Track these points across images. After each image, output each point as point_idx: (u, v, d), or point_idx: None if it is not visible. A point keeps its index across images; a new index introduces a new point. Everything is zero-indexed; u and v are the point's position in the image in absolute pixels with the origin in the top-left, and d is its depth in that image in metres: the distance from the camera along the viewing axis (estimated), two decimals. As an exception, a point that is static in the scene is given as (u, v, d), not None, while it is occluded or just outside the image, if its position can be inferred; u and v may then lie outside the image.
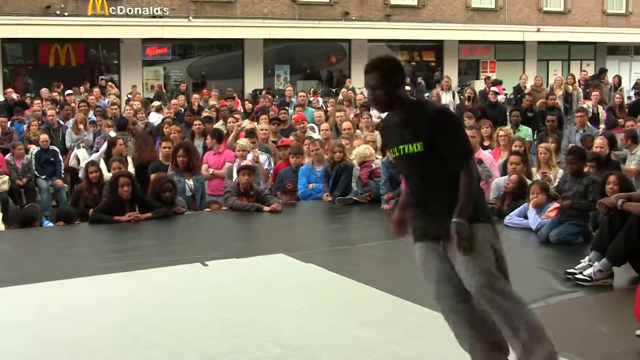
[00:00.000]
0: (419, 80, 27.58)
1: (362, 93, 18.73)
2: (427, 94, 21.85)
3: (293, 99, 18.37)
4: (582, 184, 7.92)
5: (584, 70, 27.68)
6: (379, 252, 7.72)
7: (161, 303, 5.95)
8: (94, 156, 12.07)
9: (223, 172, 11.14)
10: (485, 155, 10.42)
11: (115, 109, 16.45)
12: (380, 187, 10.05)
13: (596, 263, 6.41)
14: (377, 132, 11.67)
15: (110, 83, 23.48)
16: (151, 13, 25.84)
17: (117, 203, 9.19)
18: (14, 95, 19.02)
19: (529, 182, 9.16)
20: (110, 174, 10.57)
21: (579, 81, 21.44)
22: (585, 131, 13.08)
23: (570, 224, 7.88)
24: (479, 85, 24.75)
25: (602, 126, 15.39)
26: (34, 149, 13.38)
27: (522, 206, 8.72)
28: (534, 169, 10.07)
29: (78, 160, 13.06)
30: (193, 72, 29.19)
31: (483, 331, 4.08)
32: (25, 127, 14.78)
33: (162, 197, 9.52)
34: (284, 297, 6.03)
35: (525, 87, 20.37)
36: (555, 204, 8.24)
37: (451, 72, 30.31)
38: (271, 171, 11.42)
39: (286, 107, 16.14)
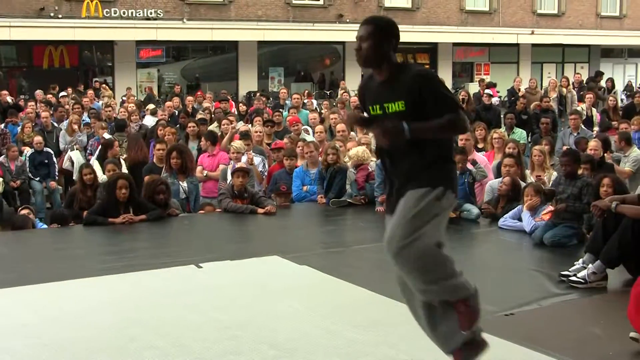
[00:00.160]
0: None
1: (356, 95, 18.73)
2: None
3: (287, 101, 18.40)
4: (576, 186, 7.92)
5: (577, 73, 27.74)
6: (373, 254, 7.70)
7: (156, 305, 5.94)
8: (92, 160, 12.07)
9: (217, 174, 11.14)
10: (479, 157, 10.44)
11: (109, 111, 16.45)
12: (374, 189, 10.06)
13: (590, 265, 6.42)
14: (371, 135, 11.67)
15: (104, 85, 23.47)
16: (145, 15, 25.84)
17: (112, 204, 9.18)
18: (9, 99, 18.98)
19: (522, 184, 9.18)
20: (104, 176, 10.57)
21: (572, 84, 21.49)
22: (579, 134, 13.11)
23: (564, 227, 7.89)
24: (473, 88, 24.84)
25: (596, 129, 15.43)
26: (28, 151, 13.36)
27: (516, 208, 8.73)
28: (527, 172, 10.10)
29: (72, 163, 13.05)
30: (187, 75, 29.20)
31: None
32: (19, 129, 14.76)
33: (156, 199, 9.51)
34: (279, 299, 6.02)
35: (519, 90, 20.44)
36: (550, 207, 8.26)
37: (445, 74, 30.38)
38: (265, 173, 11.43)
39: (280, 110, 16.15)
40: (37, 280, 6.72)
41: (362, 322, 5.41)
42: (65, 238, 9.06)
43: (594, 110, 17.03)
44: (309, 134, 13.32)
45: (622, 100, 23.12)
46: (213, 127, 14.02)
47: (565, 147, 10.92)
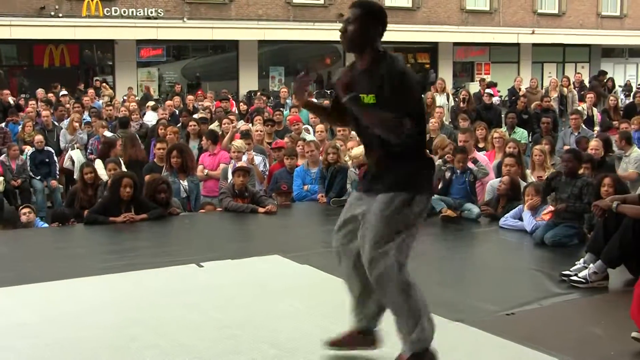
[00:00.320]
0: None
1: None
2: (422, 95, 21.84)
3: (288, 101, 18.38)
4: (576, 186, 7.92)
5: (578, 73, 27.75)
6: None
7: (156, 304, 5.94)
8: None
9: (218, 174, 11.15)
10: (480, 157, 10.44)
11: (110, 109, 16.45)
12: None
13: (591, 265, 6.42)
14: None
15: (104, 84, 23.47)
16: (146, 14, 25.83)
17: (114, 203, 9.18)
18: (10, 99, 18.96)
19: (523, 184, 9.18)
20: (105, 174, 10.56)
21: (573, 83, 21.49)
22: (580, 133, 13.11)
23: (565, 226, 7.89)
24: (474, 88, 24.80)
25: (596, 128, 15.43)
26: (28, 149, 13.36)
27: (517, 208, 8.73)
28: (528, 171, 10.10)
29: (73, 162, 13.06)
30: (187, 74, 29.18)
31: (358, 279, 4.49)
32: (19, 128, 14.77)
33: (157, 198, 9.51)
34: (279, 299, 6.02)
35: (520, 89, 20.44)
36: (550, 207, 8.26)
37: (446, 74, 30.33)
38: (266, 172, 11.43)
39: (281, 109, 16.16)
40: (37, 279, 6.72)
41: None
42: (66, 237, 9.06)
43: (594, 110, 17.03)
44: (309, 133, 13.33)
45: (621, 99, 23.10)
46: (214, 126, 14.02)
47: (566, 147, 10.92)
